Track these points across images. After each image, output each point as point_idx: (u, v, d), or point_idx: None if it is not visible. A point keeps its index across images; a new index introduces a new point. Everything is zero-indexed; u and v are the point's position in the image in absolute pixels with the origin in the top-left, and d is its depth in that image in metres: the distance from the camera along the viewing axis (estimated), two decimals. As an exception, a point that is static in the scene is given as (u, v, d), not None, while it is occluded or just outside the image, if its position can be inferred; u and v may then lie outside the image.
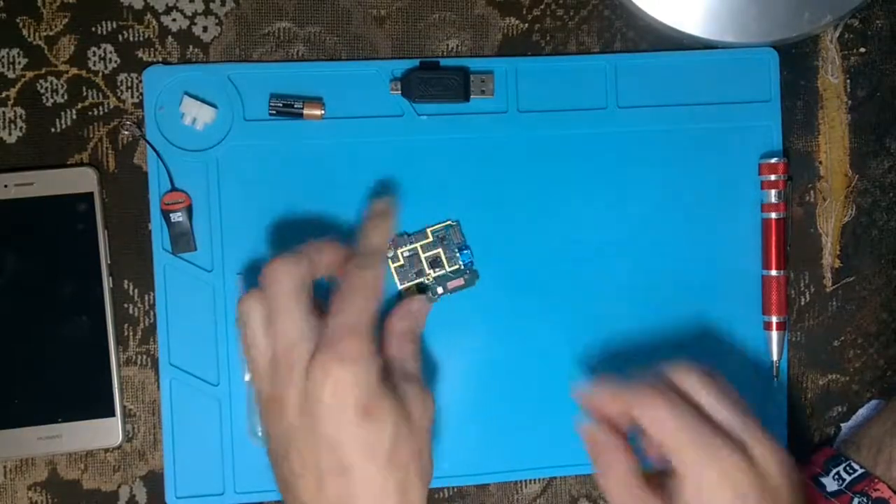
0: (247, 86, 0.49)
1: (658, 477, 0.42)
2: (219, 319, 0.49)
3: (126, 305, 0.49)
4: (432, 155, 0.50)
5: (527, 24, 0.51)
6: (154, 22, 0.49)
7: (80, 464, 0.49)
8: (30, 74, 0.49)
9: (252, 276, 0.47)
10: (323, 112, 0.49)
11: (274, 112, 0.49)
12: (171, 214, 0.48)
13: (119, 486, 0.50)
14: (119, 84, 0.49)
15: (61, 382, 0.48)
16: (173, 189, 0.49)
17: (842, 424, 0.54)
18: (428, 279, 0.50)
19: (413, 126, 0.50)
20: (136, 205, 0.49)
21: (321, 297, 0.43)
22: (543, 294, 0.51)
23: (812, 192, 0.53)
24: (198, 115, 0.48)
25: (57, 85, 0.49)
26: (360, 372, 0.40)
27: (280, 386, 0.41)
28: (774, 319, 0.51)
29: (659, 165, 0.52)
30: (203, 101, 0.49)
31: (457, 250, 0.50)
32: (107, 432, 0.48)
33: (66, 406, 0.48)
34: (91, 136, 0.49)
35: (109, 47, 0.49)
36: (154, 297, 0.49)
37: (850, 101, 0.53)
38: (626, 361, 0.50)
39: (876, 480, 0.48)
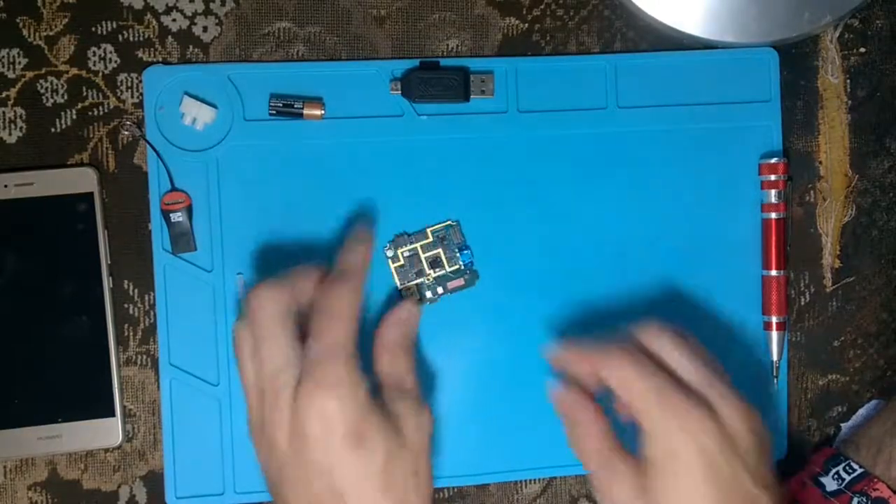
0: (247, 86, 0.49)
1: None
2: (219, 319, 0.49)
3: (126, 305, 0.49)
4: (432, 155, 0.50)
5: (527, 24, 0.51)
6: (154, 22, 0.49)
7: (80, 464, 0.49)
8: (30, 74, 0.49)
9: (257, 282, 0.47)
10: (323, 112, 0.49)
11: (274, 112, 0.49)
12: (171, 214, 0.48)
13: (119, 486, 0.50)
14: (119, 84, 0.49)
15: (61, 382, 0.48)
16: (173, 189, 0.49)
17: (842, 424, 0.54)
18: (428, 279, 0.50)
19: (413, 126, 0.50)
20: (136, 205, 0.49)
21: None
22: (543, 294, 0.51)
23: (812, 192, 0.53)
24: (198, 115, 0.48)
25: (57, 85, 0.49)
26: (345, 396, 0.39)
27: (269, 414, 0.40)
28: (774, 319, 0.52)
29: (659, 165, 0.52)
30: (203, 101, 0.49)
31: (457, 250, 0.50)
32: (107, 432, 0.49)
33: (66, 406, 0.48)
34: (91, 136, 0.49)
35: (109, 47, 0.49)
36: (154, 297, 0.49)
37: (850, 101, 0.53)
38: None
39: (875, 480, 0.48)
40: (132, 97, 0.49)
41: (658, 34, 0.52)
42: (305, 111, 0.49)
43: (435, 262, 0.50)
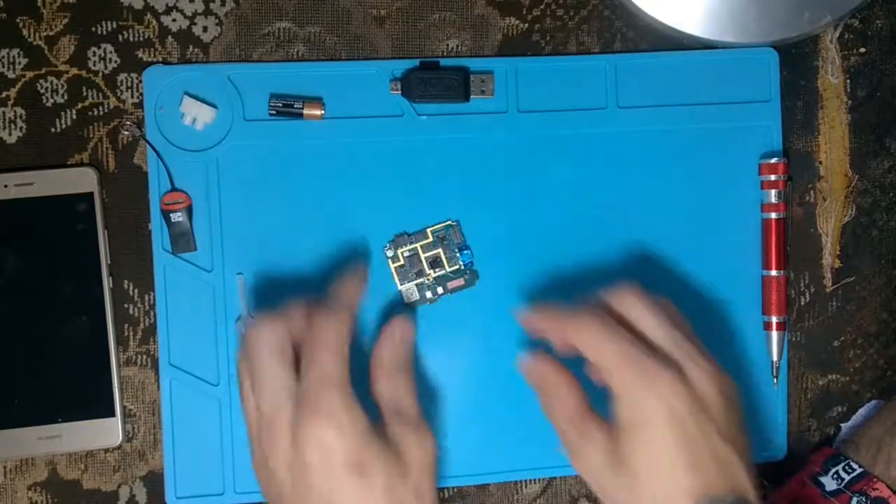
0: (247, 86, 0.49)
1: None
2: (219, 319, 0.49)
3: (126, 305, 0.49)
4: (432, 155, 0.50)
5: (527, 24, 0.51)
6: (154, 22, 0.49)
7: (80, 464, 0.49)
8: (30, 74, 0.49)
9: (265, 307, 0.47)
10: (323, 112, 0.49)
11: (274, 112, 0.49)
12: (171, 214, 0.48)
13: (119, 486, 0.50)
14: (119, 84, 0.49)
15: (61, 382, 0.48)
16: (173, 189, 0.49)
17: (842, 424, 0.54)
18: (428, 279, 0.50)
19: (413, 126, 0.50)
20: (136, 205, 0.49)
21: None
22: (543, 294, 0.51)
23: (812, 192, 0.53)
24: (198, 115, 0.48)
25: (57, 85, 0.49)
26: (343, 425, 0.39)
27: (269, 446, 0.40)
28: (774, 319, 0.52)
29: (659, 165, 0.52)
30: (203, 101, 0.49)
31: (457, 250, 0.50)
32: (107, 432, 0.49)
33: (66, 406, 0.48)
34: (91, 136, 0.49)
35: (109, 47, 0.49)
36: (154, 297, 0.49)
37: (850, 101, 0.53)
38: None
39: (875, 480, 0.48)
40: (132, 97, 0.49)
41: (658, 34, 0.52)
42: (305, 111, 0.49)
43: (435, 262, 0.50)
